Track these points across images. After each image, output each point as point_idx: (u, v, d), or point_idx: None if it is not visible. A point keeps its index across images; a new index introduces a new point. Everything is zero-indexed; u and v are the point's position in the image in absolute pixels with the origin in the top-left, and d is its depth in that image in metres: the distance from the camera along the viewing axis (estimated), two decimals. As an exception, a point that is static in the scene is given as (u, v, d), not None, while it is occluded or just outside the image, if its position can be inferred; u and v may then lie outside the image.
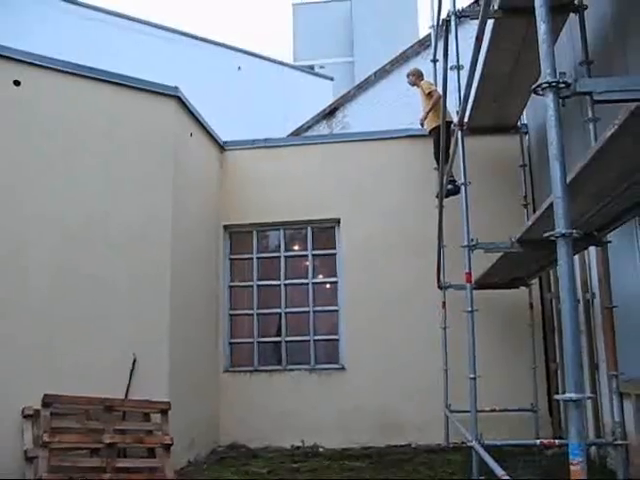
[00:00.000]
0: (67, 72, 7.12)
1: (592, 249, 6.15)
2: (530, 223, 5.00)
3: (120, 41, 16.66)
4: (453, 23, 6.38)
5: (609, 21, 5.39)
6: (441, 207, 7.78)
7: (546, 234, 2.89)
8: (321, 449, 8.30)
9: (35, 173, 6.77)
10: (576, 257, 6.64)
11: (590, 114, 4.93)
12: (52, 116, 6.99)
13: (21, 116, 6.82)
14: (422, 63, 11.57)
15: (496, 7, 5.39)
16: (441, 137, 7.07)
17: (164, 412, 6.68)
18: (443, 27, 7.00)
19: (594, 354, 6.55)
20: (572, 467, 2.61)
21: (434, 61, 8.79)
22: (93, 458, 6.22)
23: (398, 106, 12.59)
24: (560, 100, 2.95)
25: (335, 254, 9.28)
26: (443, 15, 7.42)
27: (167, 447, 6.51)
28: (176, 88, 7.67)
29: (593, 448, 6.52)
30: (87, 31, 16.20)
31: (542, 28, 2.97)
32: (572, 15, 5.56)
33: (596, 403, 6.47)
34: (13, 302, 6.41)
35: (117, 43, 16.42)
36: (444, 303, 8.18)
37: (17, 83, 6.80)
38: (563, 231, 2.79)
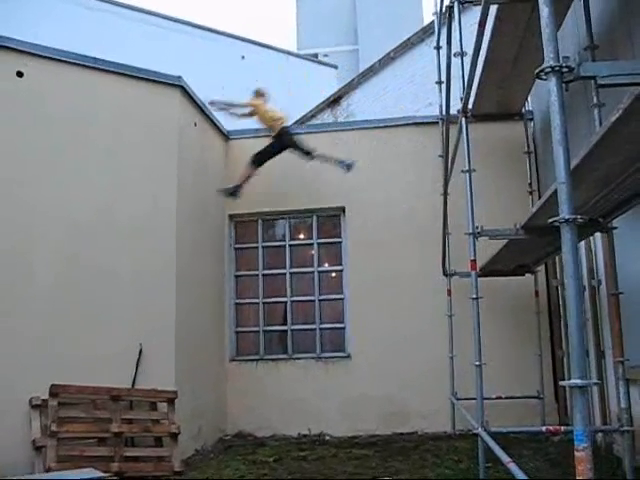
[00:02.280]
0: (70, 63, 7.11)
1: (598, 235, 6.13)
2: (535, 210, 4.98)
3: (124, 31, 16.64)
4: (456, 9, 6.32)
5: (614, 4, 5.34)
6: (446, 194, 7.77)
7: (550, 220, 2.87)
8: (327, 437, 8.34)
9: (39, 165, 6.78)
10: (582, 244, 6.63)
11: (595, 100, 4.89)
12: (56, 107, 6.98)
13: (24, 107, 6.81)
14: (426, 50, 11.55)
15: (499, -8, 5.35)
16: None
17: (171, 401, 6.71)
18: (446, 13, 6.94)
19: (600, 341, 6.55)
20: (577, 453, 2.60)
21: (437, 48, 8.73)
22: (101, 447, 6.25)
23: (403, 93, 12.56)
24: (564, 85, 2.93)
25: (340, 242, 9.28)
26: (446, 1, 7.37)
27: (174, 436, 6.55)
28: (179, 78, 7.66)
29: (600, 434, 6.52)
30: (91, 22, 16.20)
31: (545, 12, 2.94)
32: (577, -1, 5.52)
33: (602, 389, 6.47)
34: (20, 294, 6.44)
35: (121, 33, 16.41)
36: (449, 290, 8.18)
37: (20, 74, 6.79)
38: (567, 216, 2.77)
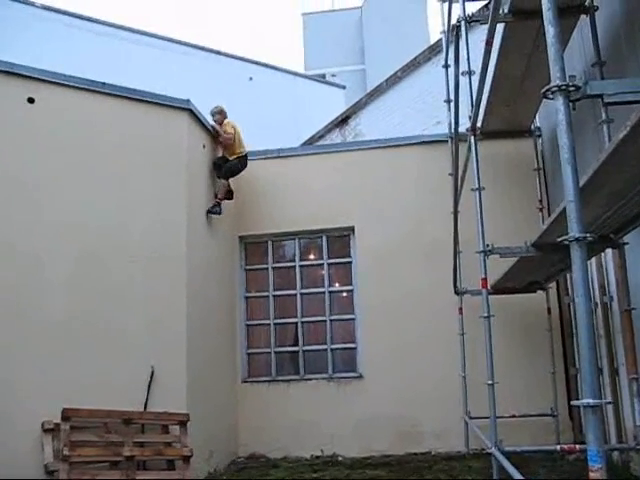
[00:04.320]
0: (80, 88, 7.18)
1: (609, 251, 6.10)
2: (545, 227, 4.96)
3: (133, 55, 16.83)
4: (463, 28, 6.36)
5: (620, 21, 5.36)
6: (456, 212, 7.76)
7: (560, 239, 2.86)
8: (340, 458, 8.28)
9: (50, 189, 6.83)
10: (593, 260, 6.59)
11: (604, 116, 4.89)
12: (65, 132, 7.04)
13: (35, 133, 6.88)
14: (433, 69, 11.60)
15: (506, 11, 5.37)
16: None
17: (183, 424, 6.69)
18: (454, 32, 6.98)
19: (614, 357, 6.49)
20: (591, 474, 2.58)
21: (445, 67, 8.76)
22: (113, 471, 6.23)
23: (411, 112, 12.60)
24: (571, 103, 2.93)
25: (350, 262, 9.26)
26: (453, 20, 7.42)
27: (186, 459, 6.51)
28: (188, 101, 7.71)
29: (616, 453, 6.45)
30: (100, 46, 16.40)
31: (550, 32, 2.95)
32: (583, 16, 5.54)
33: (617, 407, 6.40)
34: (32, 317, 6.46)
35: (130, 57, 16.60)
36: (461, 309, 8.14)
37: (31, 101, 6.86)
38: (577, 235, 2.76)
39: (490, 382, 5.71)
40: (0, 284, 6.41)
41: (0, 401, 6.08)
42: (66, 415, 6.06)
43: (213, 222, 8.38)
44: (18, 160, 6.74)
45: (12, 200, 6.62)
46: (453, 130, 7.57)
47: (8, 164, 6.70)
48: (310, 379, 8.93)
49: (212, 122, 8.55)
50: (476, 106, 6.08)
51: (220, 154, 8.65)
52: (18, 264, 6.52)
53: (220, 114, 8.64)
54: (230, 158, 8.53)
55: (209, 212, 8.25)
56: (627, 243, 5.16)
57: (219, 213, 8.37)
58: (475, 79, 5.95)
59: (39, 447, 6.06)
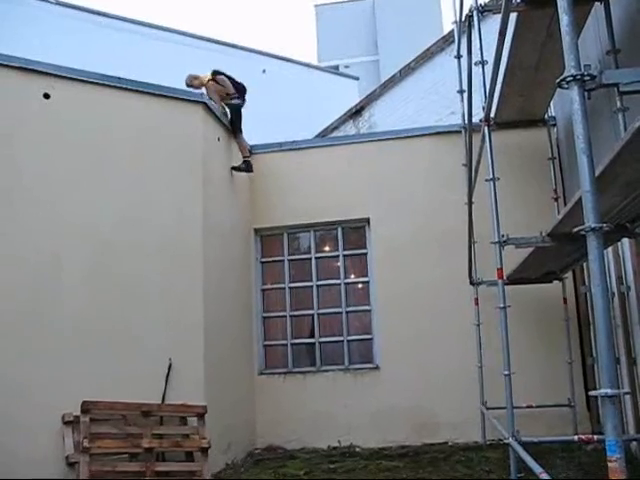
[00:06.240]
0: (95, 83, 7.21)
1: (625, 241, 6.06)
2: (560, 217, 4.94)
3: (146, 49, 16.86)
4: (475, 18, 6.33)
5: (636, 7, 5.30)
6: (470, 203, 7.75)
7: (576, 229, 2.85)
8: (357, 449, 8.30)
9: (67, 184, 6.87)
10: (609, 249, 6.56)
11: (619, 104, 4.85)
12: (82, 127, 7.08)
13: (52, 128, 6.93)
14: (447, 59, 11.54)
15: (518, 0, 5.33)
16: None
17: (200, 416, 6.73)
18: (466, 22, 6.94)
19: (631, 348, 6.46)
20: (610, 464, 2.58)
21: (458, 57, 8.72)
22: (132, 463, 6.29)
23: (424, 103, 12.56)
24: (586, 93, 2.92)
25: (366, 254, 9.27)
26: (466, 10, 7.38)
27: (205, 450, 6.56)
28: (202, 94, 7.73)
29: (634, 443, 6.42)
30: (113, 41, 16.44)
31: (564, 20, 2.93)
32: (598, 3, 5.48)
33: (635, 397, 6.38)
34: (50, 312, 6.53)
35: (144, 52, 16.63)
36: (476, 299, 8.13)
37: (47, 96, 6.91)
38: (593, 225, 2.75)
39: (506, 372, 5.71)
40: (18, 282, 6.47)
41: (21, 397, 6.16)
42: (85, 408, 6.12)
43: (229, 215, 8.41)
44: (34, 156, 6.79)
45: (27, 197, 6.68)
46: (467, 120, 7.55)
47: (23, 160, 6.76)
48: (326, 371, 8.95)
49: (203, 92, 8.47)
50: (489, 96, 6.05)
51: (238, 156, 8.67)
52: (35, 258, 6.58)
53: (196, 79, 8.64)
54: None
55: (245, 170, 8.60)
56: (644, 232, 5.12)
57: (251, 170, 8.73)
58: (488, 69, 5.93)
59: (60, 440, 6.15)
